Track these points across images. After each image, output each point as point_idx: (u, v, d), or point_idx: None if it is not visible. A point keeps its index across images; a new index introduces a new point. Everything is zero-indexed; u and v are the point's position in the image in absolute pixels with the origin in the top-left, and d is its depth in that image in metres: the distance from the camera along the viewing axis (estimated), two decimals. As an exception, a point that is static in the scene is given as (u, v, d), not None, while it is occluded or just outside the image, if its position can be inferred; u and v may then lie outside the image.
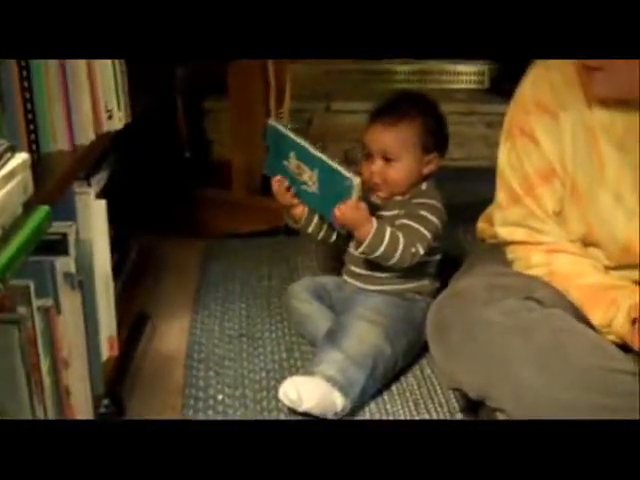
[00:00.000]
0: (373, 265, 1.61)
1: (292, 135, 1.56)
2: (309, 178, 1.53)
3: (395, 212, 1.60)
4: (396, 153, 1.60)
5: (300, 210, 1.62)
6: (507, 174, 1.46)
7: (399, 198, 1.63)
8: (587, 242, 1.44)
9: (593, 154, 1.37)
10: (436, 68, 3.27)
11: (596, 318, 1.35)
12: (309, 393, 1.40)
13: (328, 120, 3.02)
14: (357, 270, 1.66)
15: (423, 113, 1.63)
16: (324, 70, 3.25)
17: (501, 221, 1.50)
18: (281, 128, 1.59)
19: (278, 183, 1.60)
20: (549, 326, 1.29)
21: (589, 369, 1.23)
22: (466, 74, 3.26)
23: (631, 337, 1.31)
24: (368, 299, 1.61)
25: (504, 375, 1.27)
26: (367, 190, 1.61)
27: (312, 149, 1.53)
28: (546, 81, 1.40)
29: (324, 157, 1.51)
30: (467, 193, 1.71)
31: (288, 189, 1.59)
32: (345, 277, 1.69)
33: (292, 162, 1.56)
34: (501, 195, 1.49)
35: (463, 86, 3.26)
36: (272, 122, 1.63)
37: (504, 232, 1.50)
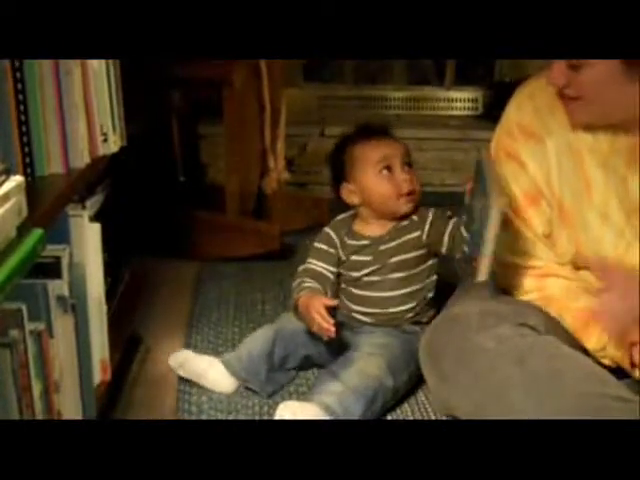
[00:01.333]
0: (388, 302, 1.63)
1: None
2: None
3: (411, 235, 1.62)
4: (410, 158, 1.65)
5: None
6: None
7: (393, 224, 1.64)
8: (577, 264, 1.45)
9: (579, 175, 1.39)
10: (430, 94, 3.30)
11: (590, 343, 1.35)
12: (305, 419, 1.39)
13: (322, 145, 3.04)
14: (369, 310, 1.64)
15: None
16: (318, 95, 3.27)
17: None
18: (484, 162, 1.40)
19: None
20: (543, 352, 1.30)
21: (583, 395, 1.23)
22: (460, 100, 3.28)
23: (627, 361, 1.31)
24: (368, 336, 1.61)
25: (497, 401, 1.27)
26: (391, 210, 1.64)
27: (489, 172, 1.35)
28: (530, 106, 1.42)
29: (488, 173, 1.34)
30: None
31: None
32: (354, 315, 1.66)
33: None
34: None
35: (457, 112, 3.28)
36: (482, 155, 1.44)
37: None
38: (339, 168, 1.68)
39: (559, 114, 1.39)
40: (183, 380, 1.64)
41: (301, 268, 1.68)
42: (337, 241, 1.67)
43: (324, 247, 1.67)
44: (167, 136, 2.51)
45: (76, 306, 1.27)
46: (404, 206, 1.63)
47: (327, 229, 1.70)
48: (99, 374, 1.43)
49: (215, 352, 1.75)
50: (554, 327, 1.38)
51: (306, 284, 1.60)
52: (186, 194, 2.54)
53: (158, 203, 2.35)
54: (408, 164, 1.64)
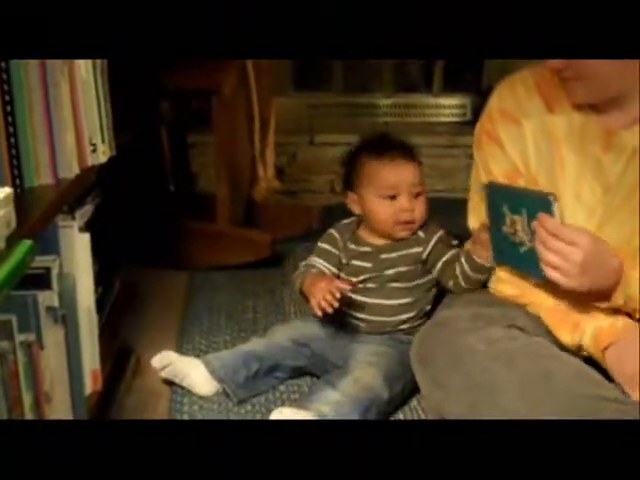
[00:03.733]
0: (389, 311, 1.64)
1: (505, 185, 1.45)
2: (522, 229, 1.36)
3: (417, 250, 1.64)
4: (421, 187, 1.63)
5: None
6: (478, 174, 1.54)
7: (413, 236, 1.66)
8: None
9: (555, 156, 1.43)
10: (419, 101, 3.31)
11: (564, 341, 1.37)
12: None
13: (312, 153, 3.05)
14: (365, 316, 1.64)
15: (414, 151, 1.67)
16: (308, 104, 3.28)
17: (473, 216, 1.58)
18: (499, 184, 1.46)
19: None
20: (533, 354, 1.31)
21: (574, 396, 1.23)
22: (448, 107, 3.30)
23: (606, 365, 1.32)
24: (365, 345, 1.61)
25: (489, 403, 1.27)
26: (386, 232, 1.65)
27: (517, 189, 1.42)
28: (510, 93, 1.49)
29: (522, 189, 1.41)
30: (450, 225, 1.72)
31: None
32: (350, 321, 1.66)
33: (507, 221, 1.38)
34: (472, 194, 1.58)
35: (445, 119, 3.30)
36: (491, 182, 1.47)
37: (473, 222, 1.57)
38: (348, 175, 1.69)
39: (537, 101, 1.45)
40: (175, 390, 1.63)
41: (303, 264, 1.69)
42: (340, 243, 1.68)
43: (327, 247, 1.69)
44: (157, 146, 2.51)
45: (66, 317, 1.27)
46: (400, 232, 1.64)
47: (332, 230, 1.72)
48: (90, 384, 1.43)
49: (207, 361, 1.75)
50: (542, 329, 1.39)
51: (312, 270, 1.62)
52: (176, 203, 2.54)
53: (148, 213, 2.35)
54: (417, 194, 1.62)
